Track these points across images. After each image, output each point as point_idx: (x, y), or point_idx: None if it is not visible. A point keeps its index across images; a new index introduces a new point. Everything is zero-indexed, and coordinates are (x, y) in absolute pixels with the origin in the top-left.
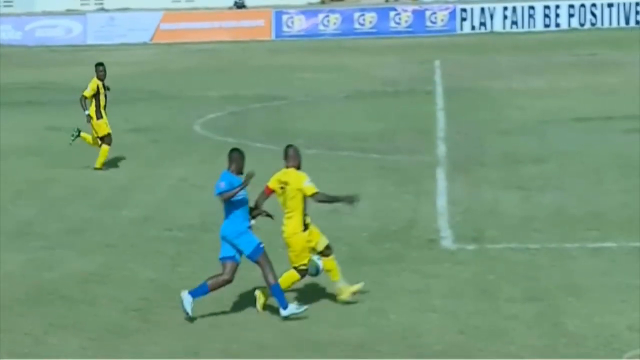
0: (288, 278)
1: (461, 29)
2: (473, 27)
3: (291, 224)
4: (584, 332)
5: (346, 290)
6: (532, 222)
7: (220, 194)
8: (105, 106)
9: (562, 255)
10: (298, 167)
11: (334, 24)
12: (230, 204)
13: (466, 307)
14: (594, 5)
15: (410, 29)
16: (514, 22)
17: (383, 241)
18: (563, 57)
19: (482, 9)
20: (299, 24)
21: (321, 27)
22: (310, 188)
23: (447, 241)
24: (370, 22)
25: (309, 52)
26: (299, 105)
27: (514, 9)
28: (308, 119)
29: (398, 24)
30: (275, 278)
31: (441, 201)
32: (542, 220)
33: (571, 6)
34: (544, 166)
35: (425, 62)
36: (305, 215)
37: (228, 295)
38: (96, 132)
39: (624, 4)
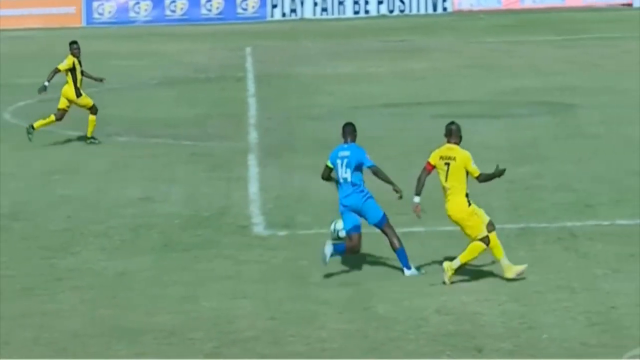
0: (474, 249)
1: (272, 15)
2: (284, 14)
3: (455, 201)
4: (394, 316)
5: (510, 269)
6: None
7: (374, 165)
8: (81, 84)
9: (372, 240)
10: (458, 144)
11: (145, 10)
12: (359, 175)
13: (278, 293)
14: None
15: (221, 16)
16: (324, 9)
17: (195, 228)
18: (372, 44)
19: None
20: (110, 10)
21: (132, 14)
22: (477, 170)
23: (259, 227)
24: (182, 8)
25: (120, 39)
26: (111, 92)
27: None
28: (120, 106)
29: (209, 10)
30: (400, 243)
31: (253, 187)
32: None
33: None
34: None
35: (236, 48)
36: (467, 192)
37: (39, 283)
38: (67, 104)
39: None
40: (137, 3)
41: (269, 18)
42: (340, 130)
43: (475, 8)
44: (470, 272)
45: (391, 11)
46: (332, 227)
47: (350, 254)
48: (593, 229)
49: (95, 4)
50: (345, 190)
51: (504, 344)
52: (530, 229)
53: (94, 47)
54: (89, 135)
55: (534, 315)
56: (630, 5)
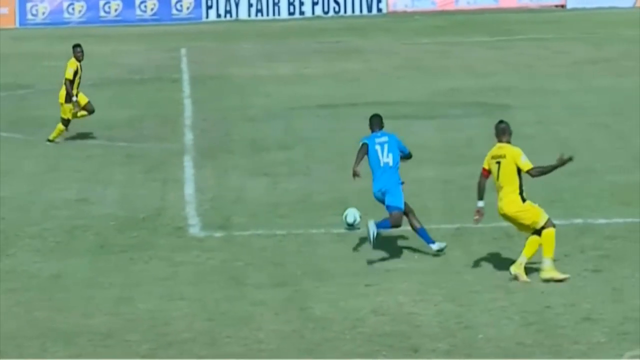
0: (549, 238)
1: (207, 16)
2: (219, 15)
3: (509, 199)
4: (330, 317)
5: (549, 271)
6: (278, 208)
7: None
8: (78, 86)
9: (308, 241)
10: (509, 141)
11: (80, 12)
12: (397, 159)
13: (214, 294)
14: None
15: (156, 17)
16: (259, 10)
17: (131, 229)
18: (308, 45)
19: None
20: (44, 11)
21: (66, 15)
22: (527, 164)
23: (195, 229)
24: (116, 10)
25: (55, 40)
26: (45, 94)
27: None
28: (54, 108)
29: (144, 12)
30: (398, 225)
31: (189, 189)
32: (289, 207)
33: None
34: (290, 152)
35: (171, 50)
36: (522, 189)
37: None
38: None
39: None
40: (71, 4)
41: (204, 19)
42: (368, 122)
43: (410, 9)
44: (406, 272)
45: (326, 12)
46: (352, 220)
47: (395, 227)
48: None
49: (28, 5)
50: (386, 174)
51: (440, 344)
52: (466, 229)
53: (27, 48)
54: (51, 138)
55: (470, 315)
56: (563, 6)
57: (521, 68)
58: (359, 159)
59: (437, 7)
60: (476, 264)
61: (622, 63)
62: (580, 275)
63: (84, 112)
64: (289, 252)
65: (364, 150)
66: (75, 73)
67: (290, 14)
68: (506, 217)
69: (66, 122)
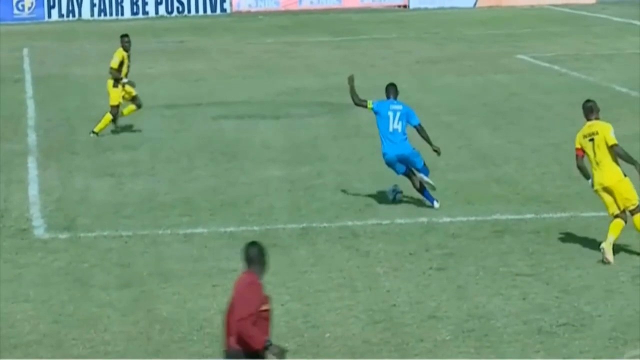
0: (617, 225)
1: (49, 16)
2: (61, 15)
3: (608, 172)
4: (177, 318)
5: (608, 247)
6: (123, 209)
7: (420, 124)
8: (126, 76)
9: (154, 242)
10: (598, 118)
11: None
12: (405, 127)
13: (60, 296)
14: None
15: None
16: (102, 10)
17: None
18: (151, 45)
19: None
20: None
21: None
22: (613, 139)
23: (40, 230)
24: None
25: None
26: None
27: None
28: None
29: None
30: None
31: (33, 190)
32: (134, 207)
33: None
34: (135, 153)
35: (13, 49)
36: (618, 162)
37: None
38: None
39: None
40: None
41: (46, 19)
42: (385, 90)
43: (254, 9)
44: None
45: (170, 12)
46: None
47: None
48: (374, 227)
49: None
50: (396, 139)
51: (288, 343)
52: (312, 228)
53: None
54: (96, 130)
55: (317, 314)
56: (406, 6)
57: (365, 67)
58: (356, 95)
59: (281, 7)
60: (322, 263)
61: (463, 62)
62: (425, 274)
63: (132, 107)
64: (134, 253)
65: (363, 105)
66: (122, 63)
67: (133, 13)
68: (604, 191)
69: (115, 111)
